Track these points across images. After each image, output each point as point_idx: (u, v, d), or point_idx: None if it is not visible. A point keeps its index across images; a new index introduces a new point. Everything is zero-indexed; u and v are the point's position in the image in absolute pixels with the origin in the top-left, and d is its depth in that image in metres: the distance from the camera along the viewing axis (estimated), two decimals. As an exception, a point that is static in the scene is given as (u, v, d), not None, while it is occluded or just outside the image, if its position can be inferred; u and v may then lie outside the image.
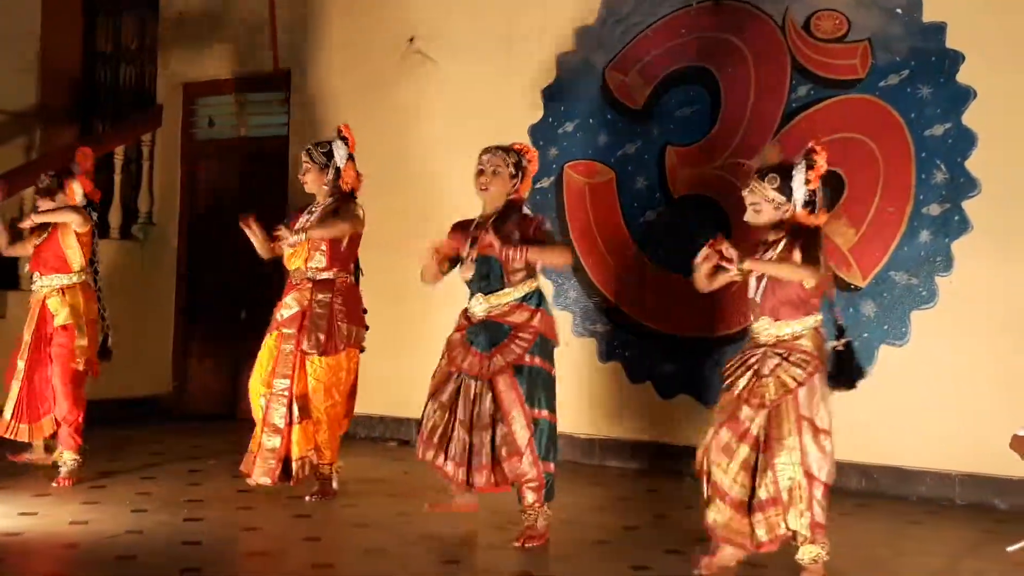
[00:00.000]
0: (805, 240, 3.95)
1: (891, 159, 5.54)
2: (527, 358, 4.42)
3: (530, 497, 4.39)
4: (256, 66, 7.51)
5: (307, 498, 5.10)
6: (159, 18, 8.07)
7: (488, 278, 4.48)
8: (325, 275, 5.17)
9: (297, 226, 5.15)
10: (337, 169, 5.23)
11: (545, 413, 4.44)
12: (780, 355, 3.96)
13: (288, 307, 5.19)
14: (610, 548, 4.47)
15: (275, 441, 5.04)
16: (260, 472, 5.04)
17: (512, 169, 4.57)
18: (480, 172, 4.57)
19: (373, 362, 6.50)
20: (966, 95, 5.39)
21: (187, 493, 5.22)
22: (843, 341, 4.05)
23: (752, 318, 4.09)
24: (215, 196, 7.77)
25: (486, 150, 4.62)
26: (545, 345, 4.49)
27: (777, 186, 3.99)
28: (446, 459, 4.46)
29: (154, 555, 4.13)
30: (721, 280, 4.10)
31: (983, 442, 4.89)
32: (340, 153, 5.25)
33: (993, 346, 5.27)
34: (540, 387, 4.44)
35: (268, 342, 5.23)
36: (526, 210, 4.59)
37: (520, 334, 4.43)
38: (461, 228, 4.65)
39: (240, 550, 4.28)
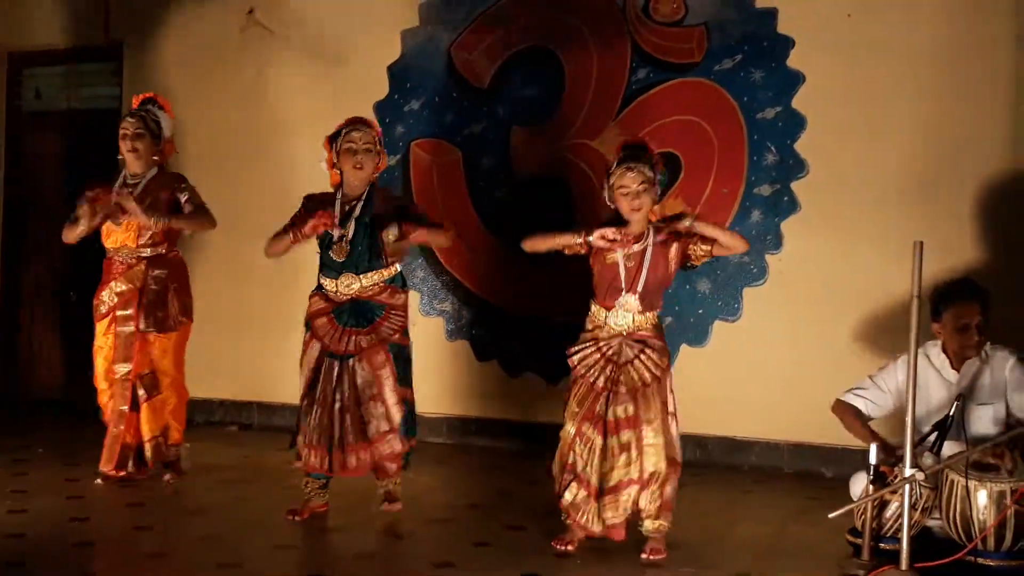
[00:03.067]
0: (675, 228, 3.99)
1: (725, 141, 5.71)
2: (397, 337, 4.44)
3: (391, 474, 4.50)
4: (87, 35, 7.14)
5: (166, 479, 5.05)
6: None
7: (364, 258, 4.38)
8: (159, 251, 5.08)
9: (133, 205, 4.92)
10: (162, 140, 5.14)
11: (409, 392, 4.50)
12: (638, 344, 4.01)
13: (118, 288, 5.03)
14: (452, 525, 4.49)
15: (121, 428, 5.01)
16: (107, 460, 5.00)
17: (379, 146, 4.47)
18: (353, 151, 4.37)
19: (215, 345, 6.36)
20: (795, 79, 5.59)
21: (11, 483, 4.98)
22: None
23: (603, 305, 4.04)
24: (41, 171, 7.37)
25: (355, 126, 4.41)
26: (407, 324, 4.54)
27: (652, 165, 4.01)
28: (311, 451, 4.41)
29: (-28, 550, 3.92)
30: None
31: (809, 413, 5.10)
32: (167, 123, 5.16)
33: (818, 321, 5.51)
34: (408, 366, 4.51)
35: (102, 328, 5.07)
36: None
37: (393, 313, 4.44)
38: (320, 204, 4.45)
39: (67, 541, 4.09)
